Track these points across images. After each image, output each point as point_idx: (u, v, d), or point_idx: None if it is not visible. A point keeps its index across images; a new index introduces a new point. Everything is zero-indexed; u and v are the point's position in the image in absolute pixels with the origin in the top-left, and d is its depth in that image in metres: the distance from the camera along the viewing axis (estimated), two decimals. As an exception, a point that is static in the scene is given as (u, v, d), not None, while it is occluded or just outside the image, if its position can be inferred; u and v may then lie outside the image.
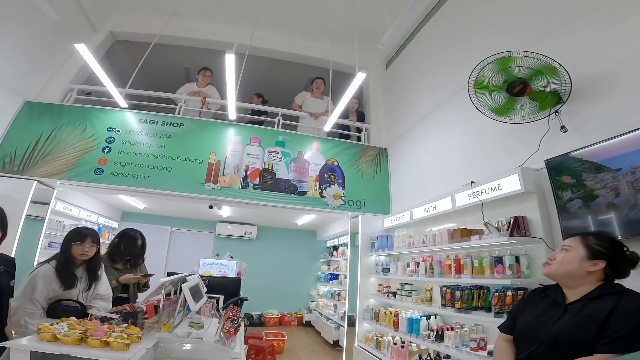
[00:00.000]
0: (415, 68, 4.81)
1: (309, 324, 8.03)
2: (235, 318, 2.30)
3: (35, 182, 4.17)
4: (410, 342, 3.44)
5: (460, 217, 3.30)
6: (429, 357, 3.19)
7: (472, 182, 3.04)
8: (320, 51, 5.66)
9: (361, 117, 5.81)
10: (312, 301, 8.47)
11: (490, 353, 2.49)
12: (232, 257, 6.10)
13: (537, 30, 2.91)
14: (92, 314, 1.82)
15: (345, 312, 5.91)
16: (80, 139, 4.44)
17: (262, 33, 5.29)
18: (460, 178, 3.35)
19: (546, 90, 2.41)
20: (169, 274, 3.43)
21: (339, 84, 5.35)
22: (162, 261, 7.95)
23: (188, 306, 2.38)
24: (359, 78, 3.81)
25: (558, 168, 2.39)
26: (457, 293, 2.83)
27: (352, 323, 4.84)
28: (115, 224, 7.67)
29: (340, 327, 6.08)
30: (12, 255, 2.21)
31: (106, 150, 4.40)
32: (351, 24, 5.14)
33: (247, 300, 3.38)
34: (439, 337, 3.00)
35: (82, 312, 2.07)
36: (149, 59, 4.92)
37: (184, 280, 2.42)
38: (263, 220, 8.25)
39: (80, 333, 1.44)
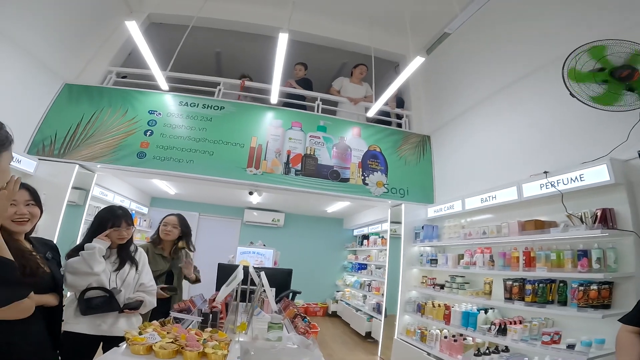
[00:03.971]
0: (464, 54, 4.53)
1: (334, 315, 7.96)
2: (304, 314, 2.18)
3: (77, 165, 4.12)
4: (464, 335, 3.31)
5: (526, 208, 3.12)
6: (487, 351, 3.05)
7: (546, 172, 2.86)
8: (359, 37, 5.44)
9: (400, 103, 5.61)
10: (337, 291, 8.40)
11: (569, 346, 2.36)
12: (264, 245, 6.04)
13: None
14: (172, 316, 1.66)
15: (380, 303, 5.82)
16: (122, 121, 4.37)
17: (299, 16, 5.10)
18: (525, 168, 3.17)
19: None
20: (219, 265, 3.34)
21: (376, 70, 5.16)
22: (189, 247, 7.97)
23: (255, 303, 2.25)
24: (417, 62, 3.63)
25: (657, 157, 2.20)
26: (528, 287, 2.67)
27: (385, 315, 4.76)
28: (145, 210, 7.70)
29: (373, 318, 5.98)
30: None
31: (148, 133, 4.33)
32: (392, 10, 4.92)
33: (299, 293, 3.27)
34: (502, 330, 2.87)
35: (113, 302, 1.85)
36: (179, 42, 4.80)
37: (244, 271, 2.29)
38: (291, 208, 8.15)
39: (173, 342, 1.31)
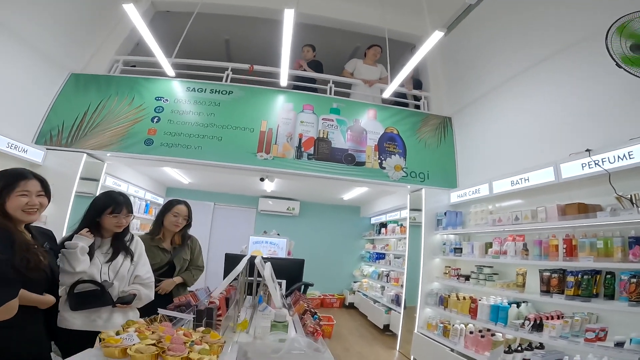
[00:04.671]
0: (487, 33, 4.09)
1: (351, 306, 7.76)
2: (315, 310, 1.95)
3: (85, 154, 4.03)
4: (493, 330, 3.04)
5: (564, 191, 2.79)
6: (519, 348, 2.76)
7: (588, 150, 2.52)
8: (372, 18, 5.08)
9: (418, 85, 5.28)
10: (355, 282, 8.18)
11: (618, 344, 2.06)
12: (278, 234, 5.88)
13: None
14: (160, 314, 1.48)
15: (399, 295, 5.58)
16: (129, 109, 4.26)
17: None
18: (561, 148, 2.87)
19: None
20: (227, 255, 3.15)
21: (391, 53, 4.84)
22: (205, 238, 7.87)
23: (259, 296, 2.04)
24: (435, 37, 3.29)
25: None
26: (570, 278, 2.36)
27: (405, 307, 4.53)
28: (160, 200, 7.64)
29: (392, 310, 5.75)
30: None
31: (155, 120, 4.20)
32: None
33: (312, 285, 3.05)
34: (537, 326, 2.58)
35: (105, 296, 1.72)
36: (188, 31, 4.60)
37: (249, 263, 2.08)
38: (306, 195, 7.93)
39: (154, 345, 1.11)
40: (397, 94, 5.07)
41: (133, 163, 5.24)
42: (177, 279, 2.55)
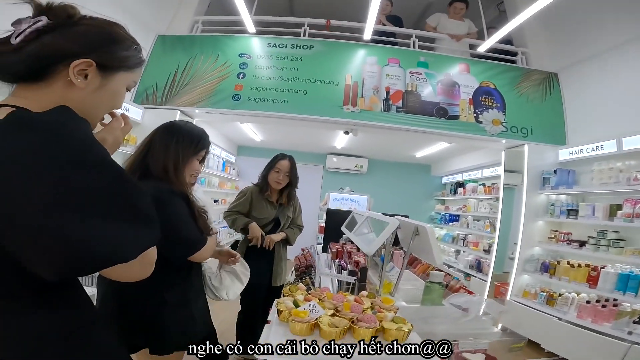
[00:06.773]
0: None
1: (420, 270, 7.66)
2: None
3: (179, 111, 4.21)
4: (616, 301, 2.74)
5: None
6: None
7: None
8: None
9: (506, 42, 4.67)
10: (424, 244, 8.00)
11: None
12: (353, 191, 5.85)
13: None
14: (308, 275, 1.44)
15: (479, 260, 5.36)
16: (215, 67, 4.30)
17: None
18: None
19: None
20: (329, 211, 3.14)
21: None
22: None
23: (381, 256, 1.96)
24: None
25: None
26: None
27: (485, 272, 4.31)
28: (233, 158, 7.91)
29: (470, 276, 5.54)
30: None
31: (241, 76, 4.21)
32: None
33: None
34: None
35: None
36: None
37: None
38: (376, 153, 7.66)
39: (334, 315, 1.04)
40: (490, 49, 4.55)
41: (216, 120, 5.39)
42: (283, 235, 2.53)
